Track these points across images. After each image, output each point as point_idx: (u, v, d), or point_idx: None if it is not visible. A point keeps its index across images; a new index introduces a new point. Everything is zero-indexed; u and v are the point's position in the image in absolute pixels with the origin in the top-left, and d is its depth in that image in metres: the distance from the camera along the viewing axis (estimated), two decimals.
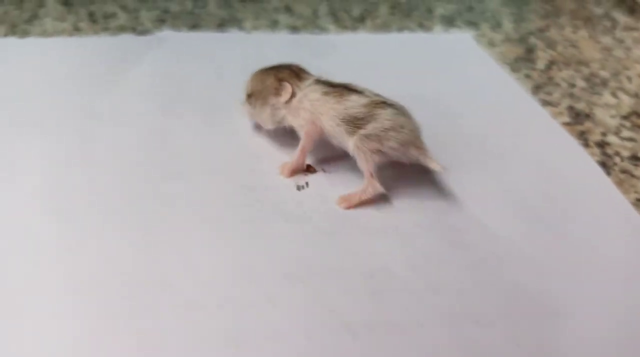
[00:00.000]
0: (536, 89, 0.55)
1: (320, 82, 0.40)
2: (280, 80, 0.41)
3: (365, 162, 0.37)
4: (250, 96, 0.42)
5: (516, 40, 0.65)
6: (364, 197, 0.37)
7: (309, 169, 0.41)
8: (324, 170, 0.41)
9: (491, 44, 0.64)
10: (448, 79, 0.55)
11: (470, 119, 0.49)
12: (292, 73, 0.41)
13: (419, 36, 0.65)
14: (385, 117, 0.37)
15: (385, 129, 0.37)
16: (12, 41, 0.58)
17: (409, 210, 0.38)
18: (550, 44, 0.65)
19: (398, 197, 0.39)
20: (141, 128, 0.45)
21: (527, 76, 0.57)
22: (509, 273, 0.33)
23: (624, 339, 0.30)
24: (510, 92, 0.54)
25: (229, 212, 0.37)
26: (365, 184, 0.37)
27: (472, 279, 0.33)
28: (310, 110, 0.39)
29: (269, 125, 0.42)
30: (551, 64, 0.60)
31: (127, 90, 0.50)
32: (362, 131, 0.37)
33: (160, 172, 0.40)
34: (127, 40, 0.59)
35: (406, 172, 0.40)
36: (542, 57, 0.62)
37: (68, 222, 0.35)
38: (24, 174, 0.39)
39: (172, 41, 0.59)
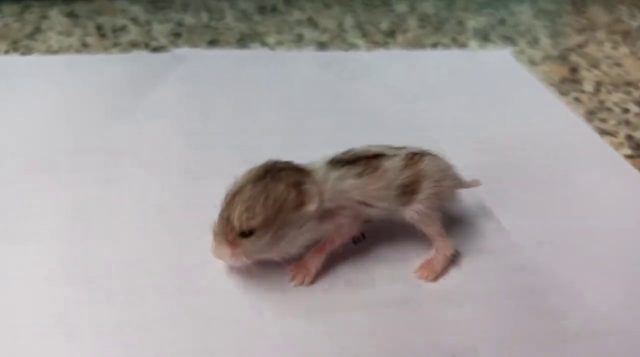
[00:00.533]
0: (589, 115, 0.51)
1: (333, 163, 0.32)
2: (296, 186, 0.29)
3: (432, 224, 0.32)
4: (251, 232, 0.29)
5: (557, 58, 0.61)
6: (446, 261, 0.32)
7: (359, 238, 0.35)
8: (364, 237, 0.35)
9: (532, 61, 0.60)
10: (492, 102, 0.51)
11: (522, 151, 0.44)
12: (296, 171, 0.30)
13: (456, 53, 0.60)
14: (429, 169, 0.32)
15: (436, 181, 0.32)
16: (14, 59, 0.53)
17: (476, 269, 0.33)
18: (594, 63, 0.61)
19: (459, 254, 0.34)
20: (165, 166, 0.40)
21: (577, 100, 0.53)
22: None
23: None
24: (563, 119, 0.49)
25: None
26: (439, 246, 0.33)
27: None
28: (353, 203, 0.31)
29: (293, 250, 0.31)
30: (599, 85, 0.56)
31: (144, 117, 0.45)
32: (419, 196, 0.32)
33: (190, 222, 0.35)
34: (141, 58, 0.54)
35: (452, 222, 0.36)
36: (588, 78, 0.57)
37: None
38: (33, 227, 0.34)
39: (191, 60, 0.54)
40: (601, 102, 0.53)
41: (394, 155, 0.32)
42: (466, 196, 0.37)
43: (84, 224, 0.34)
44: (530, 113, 0.50)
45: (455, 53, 0.60)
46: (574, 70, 0.59)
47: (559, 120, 0.49)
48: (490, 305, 0.31)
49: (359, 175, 0.31)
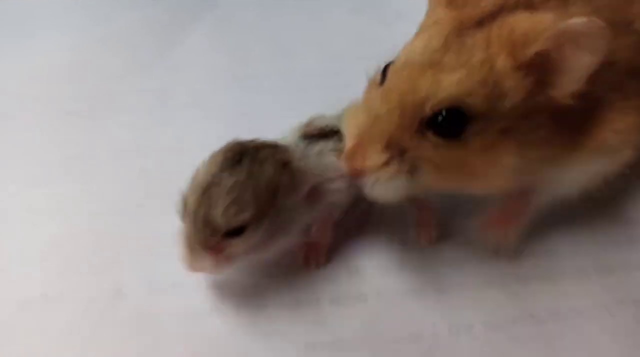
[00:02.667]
0: None
1: (306, 138, 0.29)
2: (285, 166, 0.25)
3: None
4: (242, 229, 0.24)
5: None
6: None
7: None
8: None
9: None
10: None
11: None
12: (276, 149, 0.26)
13: None
14: None
15: None
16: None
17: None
18: None
19: None
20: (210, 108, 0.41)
21: None
22: None
23: None
24: None
25: None
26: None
27: None
28: (340, 175, 0.27)
29: (288, 241, 0.27)
30: None
31: (182, 62, 0.46)
32: None
33: None
34: (173, 4, 0.53)
35: None
36: None
37: None
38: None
39: (224, 4, 0.53)
40: None
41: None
42: None
43: (128, 166, 0.36)
44: None
45: None
46: None
47: None
48: None
49: (338, 150, 0.28)
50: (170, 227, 0.26)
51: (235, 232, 0.24)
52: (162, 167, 0.35)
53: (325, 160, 0.28)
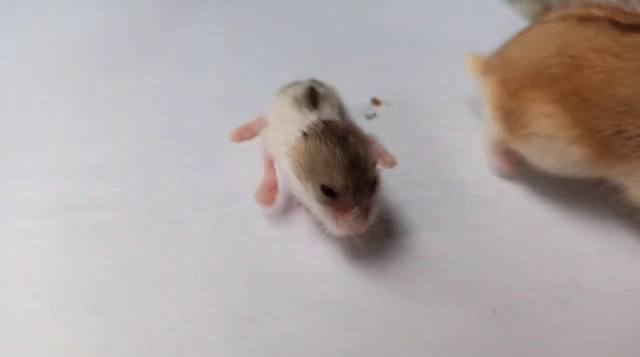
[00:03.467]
0: None
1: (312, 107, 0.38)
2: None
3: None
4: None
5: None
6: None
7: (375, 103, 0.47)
8: (387, 104, 0.49)
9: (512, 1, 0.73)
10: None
11: None
12: (340, 125, 0.35)
13: None
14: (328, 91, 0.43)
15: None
16: None
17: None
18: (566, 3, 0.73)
19: None
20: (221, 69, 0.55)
21: None
22: None
23: None
24: None
25: None
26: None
27: None
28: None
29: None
30: None
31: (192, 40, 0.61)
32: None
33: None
34: None
35: None
36: None
37: None
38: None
39: None
40: None
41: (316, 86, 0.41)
42: None
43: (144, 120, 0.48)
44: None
45: None
46: (547, 8, 0.71)
47: None
48: None
49: (332, 106, 0.39)
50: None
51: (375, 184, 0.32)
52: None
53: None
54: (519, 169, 0.42)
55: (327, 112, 0.37)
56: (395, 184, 0.40)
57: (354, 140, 0.32)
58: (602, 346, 0.32)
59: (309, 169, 0.31)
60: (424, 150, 0.45)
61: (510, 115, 0.38)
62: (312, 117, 0.35)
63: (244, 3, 0.70)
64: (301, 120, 0.35)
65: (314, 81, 0.42)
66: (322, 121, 0.34)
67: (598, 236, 0.38)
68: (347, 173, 0.30)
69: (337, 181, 0.30)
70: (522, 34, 0.40)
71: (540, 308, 0.34)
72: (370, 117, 0.48)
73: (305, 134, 0.33)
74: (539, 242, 0.38)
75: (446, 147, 0.45)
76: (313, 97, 0.38)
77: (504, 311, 0.33)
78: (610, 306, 0.34)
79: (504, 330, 0.32)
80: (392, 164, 0.42)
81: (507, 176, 0.43)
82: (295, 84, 0.41)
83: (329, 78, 0.45)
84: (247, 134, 0.43)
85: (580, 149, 0.35)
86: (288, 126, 0.35)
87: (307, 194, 0.32)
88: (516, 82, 0.38)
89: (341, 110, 0.42)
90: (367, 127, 0.44)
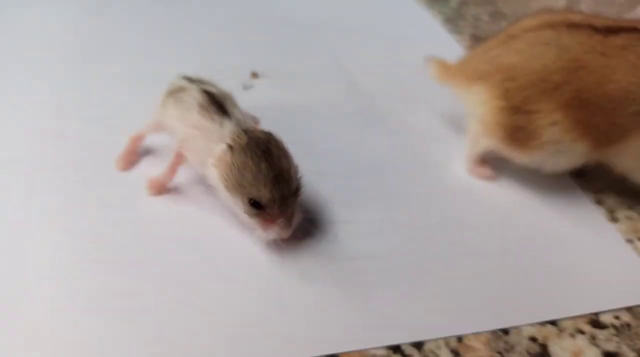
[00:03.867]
0: (446, 21, 0.65)
1: (223, 115, 0.37)
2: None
3: None
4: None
5: None
6: None
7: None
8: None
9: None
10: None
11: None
12: (262, 132, 0.36)
13: None
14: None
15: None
16: None
17: None
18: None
19: None
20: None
21: (441, 12, 0.67)
22: None
23: None
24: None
25: None
26: None
27: None
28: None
29: None
30: (462, 4, 0.71)
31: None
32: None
33: None
34: None
35: None
36: None
37: None
38: None
39: None
40: (460, 14, 0.68)
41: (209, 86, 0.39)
42: None
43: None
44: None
45: None
46: None
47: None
48: None
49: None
50: None
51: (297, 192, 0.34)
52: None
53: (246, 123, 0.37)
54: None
55: (238, 117, 0.37)
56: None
57: (276, 151, 0.34)
58: None
59: (236, 183, 0.33)
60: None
61: (519, 131, 0.38)
62: (228, 126, 0.36)
63: None
64: (217, 130, 0.36)
65: (189, 79, 0.40)
66: (243, 132, 0.35)
67: None
68: (273, 187, 0.32)
69: (264, 195, 0.32)
70: (508, 40, 0.40)
71: None
72: (247, 88, 0.51)
73: (230, 147, 0.34)
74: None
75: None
76: (215, 102, 0.37)
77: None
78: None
79: None
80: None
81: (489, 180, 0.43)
82: (179, 87, 0.40)
83: None
84: (134, 156, 0.41)
85: (582, 144, 0.38)
86: (206, 136, 0.36)
87: (234, 204, 0.34)
88: (519, 92, 0.38)
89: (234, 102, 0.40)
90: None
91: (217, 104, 0.37)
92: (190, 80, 0.40)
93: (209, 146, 0.35)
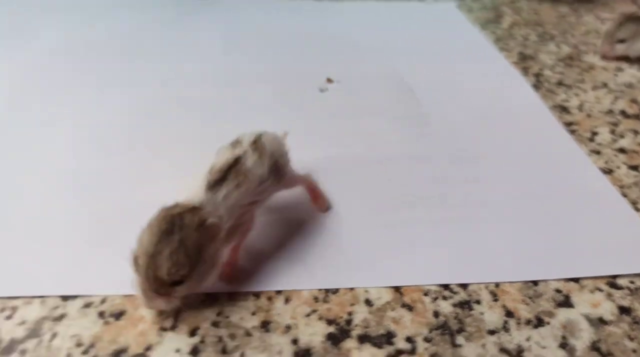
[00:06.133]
0: (497, 40, 0.73)
1: (210, 187, 0.34)
2: (202, 225, 0.32)
3: (304, 177, 0.42)
4: (183, 279, 0.32)
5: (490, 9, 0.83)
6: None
7: None
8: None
9: (469, 10, 0.82)
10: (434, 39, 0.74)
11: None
12: (193, 211, 0.32)
13: (413, 5, 0.83)
14: (270, 145, 0.38)
15: (281, 146, 0.40)
16: None
17: None
18: (517, 11, 0.83)
19: None
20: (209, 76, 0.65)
21: (492, 32, 0.75)
22: None
23: None
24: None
25: None
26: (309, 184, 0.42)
27: None
28: (247, 206, 0.36)
29: (217, 272, 0.34)
30: (513, 24, 0.78)
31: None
32: (285, 167, 0.39)
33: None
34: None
35: None
36: (507, 20, 0.79)
37: None
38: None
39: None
40: (510, 34, 0.75)
41: (244, 152, 0.36)
42: None
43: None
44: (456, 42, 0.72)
45: (412, 4, 0.83)
46: (499, 15, 0.81)
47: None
48: None
49: (238, 186, 0.34)
50: None
51: (178, 283, 0.32)
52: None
53: (231, 201, 0.34)
54: None
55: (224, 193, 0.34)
56: None
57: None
58: None
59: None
60: None
61: None
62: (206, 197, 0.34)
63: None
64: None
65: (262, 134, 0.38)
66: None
67: None
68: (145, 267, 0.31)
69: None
70: None
71: None
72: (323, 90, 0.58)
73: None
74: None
75: None
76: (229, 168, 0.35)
77: None
78: None
79: None
80: (325, 209, 0.42)
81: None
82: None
83: None
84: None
85: None
86: None
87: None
88: None
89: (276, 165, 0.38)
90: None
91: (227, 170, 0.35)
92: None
93: None
